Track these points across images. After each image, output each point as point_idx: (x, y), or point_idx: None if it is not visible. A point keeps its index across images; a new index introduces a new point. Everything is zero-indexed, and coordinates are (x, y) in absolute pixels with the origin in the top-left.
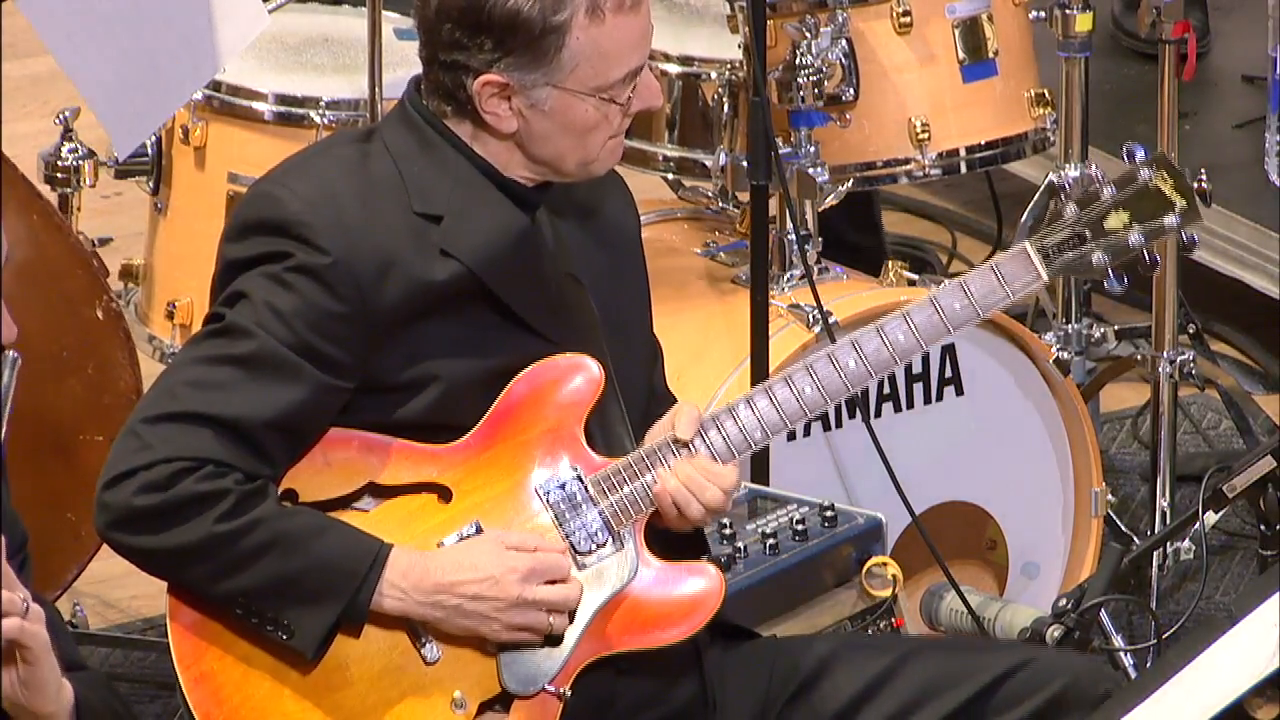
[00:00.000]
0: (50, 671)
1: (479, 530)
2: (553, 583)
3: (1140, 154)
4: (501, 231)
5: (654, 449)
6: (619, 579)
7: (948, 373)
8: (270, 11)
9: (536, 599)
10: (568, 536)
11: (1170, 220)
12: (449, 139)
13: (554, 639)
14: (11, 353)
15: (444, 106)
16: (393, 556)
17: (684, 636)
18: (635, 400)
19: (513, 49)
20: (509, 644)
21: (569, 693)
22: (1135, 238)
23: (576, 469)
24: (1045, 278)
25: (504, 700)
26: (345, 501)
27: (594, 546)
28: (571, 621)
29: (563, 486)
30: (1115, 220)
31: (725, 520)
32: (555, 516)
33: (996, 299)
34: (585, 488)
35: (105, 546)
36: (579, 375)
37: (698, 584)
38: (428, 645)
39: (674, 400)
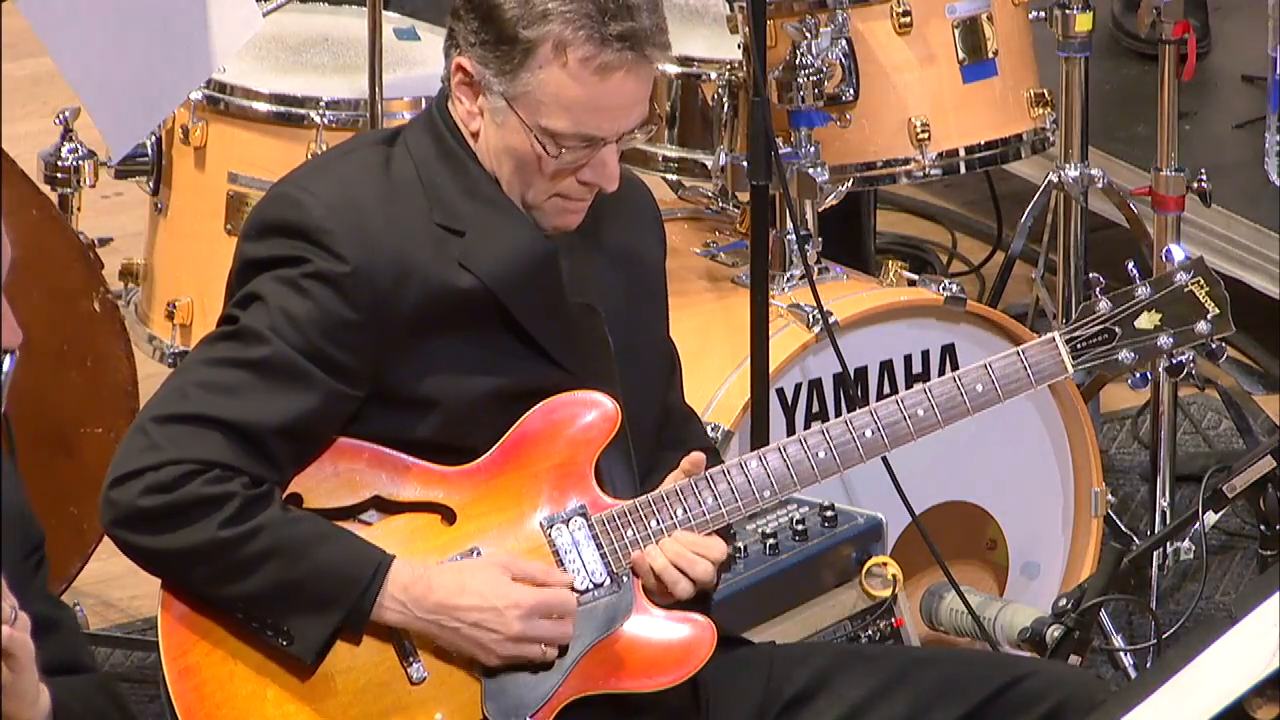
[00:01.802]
0: (31, 680)
1: (478, 557)
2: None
3: (1181, 257)
4: (522, 253)
5: (661, 495)
6: (612, 620)
7: (947, 372)
8: (270, 11)
9: (536, 636)
10: (566, 573)
11: (1202, 327)
12: (471, 152)
13: (543, 669)
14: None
15: (446, 84)
16: (395, 568)
17: (670, 685)
18: (648, 431)
19: (486, 40)
20: (497, 670)
21: None
22: (1165, 340)
23: (583, 507)
24: (1071, 371)
25: None
26: (350, 512)
27: (591, 586)
28: (563, 655)
29: (566, 523)
30: (1147, 320)
31: None
32: (555, 552)
33: (1019, 385)
34: (589, 526)
35: (107, 546)
36: (595, 413)
37: (690, 634)
38: (414, 664)
39: (694, 416)
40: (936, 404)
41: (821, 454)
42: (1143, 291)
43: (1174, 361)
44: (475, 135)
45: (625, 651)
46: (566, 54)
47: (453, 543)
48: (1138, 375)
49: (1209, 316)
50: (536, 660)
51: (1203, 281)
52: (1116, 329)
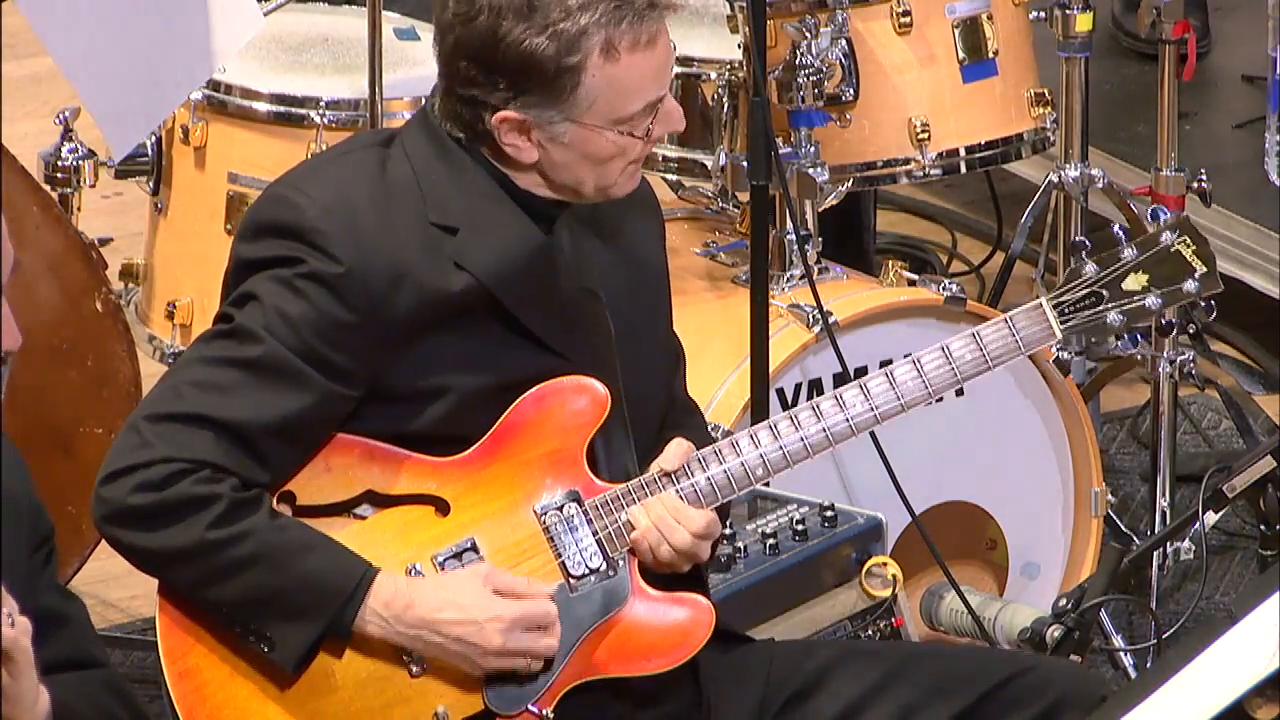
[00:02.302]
0: (30, 683)
1: (473, 546)
2: (539, 627)
3: (1165, 217)
4: (516, 247)
5: (654, 478)
6: (609, 605)
7: None
8: (270, 11)
9: (519, 649)
10: (561, 558)
11: (1189, 286)
12: (470, 149)
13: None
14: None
15: (459, 134)
16: (378, 581)
17: (669, 667)
18: (650, 416)
19: (528, 88)
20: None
21: (552, 715)
22: (1153, 301)
23: (575, 492)
24: (1059, 335)
25: (486, 718)
26: (344, 507)
27: (587, 570)
28: (555, 655)
29: (560, 509)
30: (1134, 282)
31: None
32: (550, 538)
33: (1008, 352)
34: (583, 511)
35: (106, 546)
36: (585, 397)
37: (688, 616)
38: (414, 656)
39: (696, 410)
40: (926, 375)
41: (812, 430)
42: (1129, 253)
43: (1164, 322)
44: (532, 165)
45: (624, 635)
46: (617, 50)
47: (447, 534)
48: (1127, 337)
49: (1196, 275)
50: (524, 672)
51: (1189, 240)
52: (1104, 292)
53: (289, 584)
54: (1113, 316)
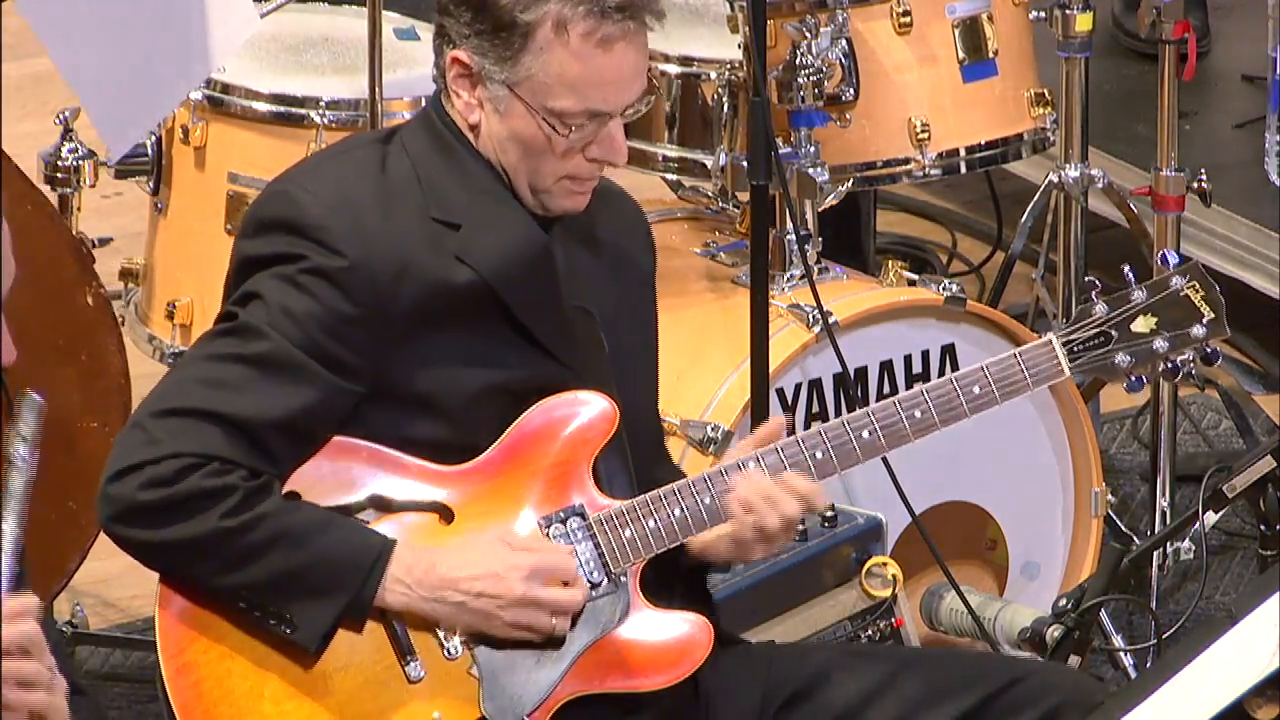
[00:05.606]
0: None
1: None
2: (561, 583)
3: (1175, 261)
4: (519, 245)
5: (659, 495)
6: (609, 620)
7: (947, 372)
8: (270, 11)
9: (540, 598)
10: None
11: (1197, 331)
12: (468, 146)
13: (540, 668)
14: (34, 395)
15: (440, 80)
16: (397, 552)
17: (666, 685)
18: (642, 433)
19: (482, 30)
20: (494, 668)
21: None
22: (1160, 344)
23: (580, 506)
24: (1068, 373)
25: None
26: (347, 511)
27: (588, 585)
28: (560, 651)
29: (564, 522)
30: (1143, 324)
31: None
32: None
33: (1016, 387)
34: (587, 526)
35: (106, 546)
36: (594, 412)
37: (687, 634)
38: (412, 663)
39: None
40: (934, 406)
41: (819, 455)
42: (1138, 295)
43: (1170, 365)
44: (474, 128)
45: (622, 651)
46: (568, 31)
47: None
48: (1133, 379)
49: (1204, 320)
50: (546, 631)
51: (1198, 286)
52: (1113, 332)
53: (308, 563)
54: (1120, 357)
